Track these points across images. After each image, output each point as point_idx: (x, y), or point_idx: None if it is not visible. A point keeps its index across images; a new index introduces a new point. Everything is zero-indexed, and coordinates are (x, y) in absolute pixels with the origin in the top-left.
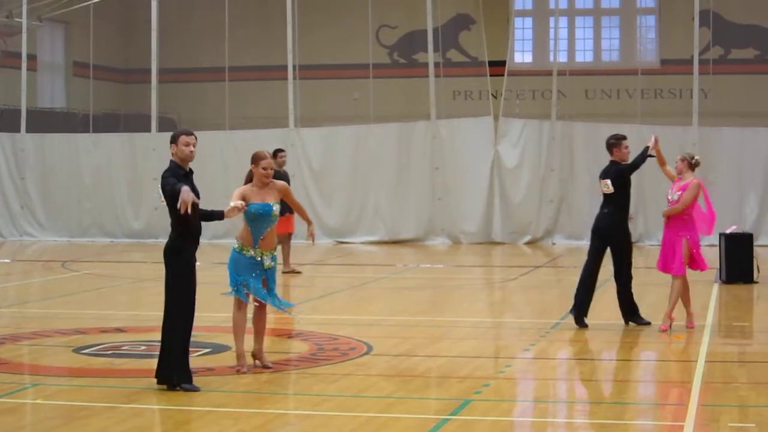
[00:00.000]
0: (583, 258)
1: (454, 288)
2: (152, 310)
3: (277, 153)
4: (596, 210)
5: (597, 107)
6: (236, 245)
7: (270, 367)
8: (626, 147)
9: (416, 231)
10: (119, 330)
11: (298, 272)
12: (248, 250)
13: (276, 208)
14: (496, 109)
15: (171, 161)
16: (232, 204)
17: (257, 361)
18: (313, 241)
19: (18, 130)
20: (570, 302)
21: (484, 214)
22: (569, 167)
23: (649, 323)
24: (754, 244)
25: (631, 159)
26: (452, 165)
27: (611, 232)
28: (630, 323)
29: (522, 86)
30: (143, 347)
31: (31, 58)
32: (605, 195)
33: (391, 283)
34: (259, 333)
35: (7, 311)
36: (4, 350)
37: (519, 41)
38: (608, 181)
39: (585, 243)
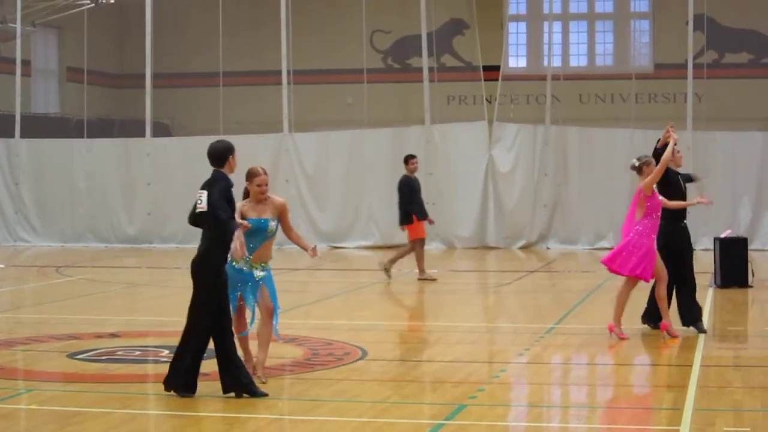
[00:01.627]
0: (578, 262)
1: (449, 293)
2: (146, 315)
3: (408, 159)
4: (589, 213)
5: (591, 112)
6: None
7: (264, 383)
8: (678, 152)
9: None
10: (113, 335)
11: (434, 279)
12: (237, 262)
13: (272, 224)
14: (490, 113)
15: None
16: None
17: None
18: (315, 253)
19: (12, 136)
20: (564, 306)
21: (478, 218)
22: (563, 172)
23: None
24: (749, 248)
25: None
26: (446, 170)
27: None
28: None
29: (516, 91)
30: (138, 352)
31: (25, 63)
32: None
33: (386, 288)
34: (262, 343)
35: (1, 316)
36: None
37: (513, 46)
38: None
39: (579, 247)
